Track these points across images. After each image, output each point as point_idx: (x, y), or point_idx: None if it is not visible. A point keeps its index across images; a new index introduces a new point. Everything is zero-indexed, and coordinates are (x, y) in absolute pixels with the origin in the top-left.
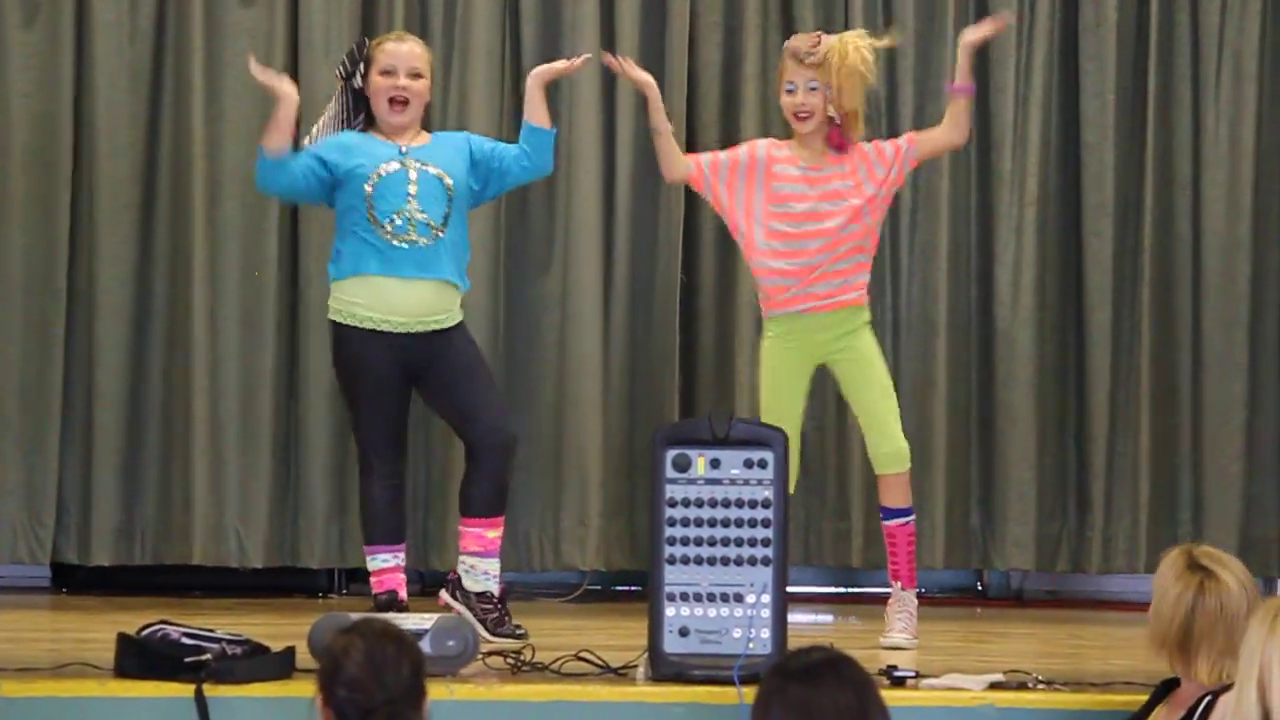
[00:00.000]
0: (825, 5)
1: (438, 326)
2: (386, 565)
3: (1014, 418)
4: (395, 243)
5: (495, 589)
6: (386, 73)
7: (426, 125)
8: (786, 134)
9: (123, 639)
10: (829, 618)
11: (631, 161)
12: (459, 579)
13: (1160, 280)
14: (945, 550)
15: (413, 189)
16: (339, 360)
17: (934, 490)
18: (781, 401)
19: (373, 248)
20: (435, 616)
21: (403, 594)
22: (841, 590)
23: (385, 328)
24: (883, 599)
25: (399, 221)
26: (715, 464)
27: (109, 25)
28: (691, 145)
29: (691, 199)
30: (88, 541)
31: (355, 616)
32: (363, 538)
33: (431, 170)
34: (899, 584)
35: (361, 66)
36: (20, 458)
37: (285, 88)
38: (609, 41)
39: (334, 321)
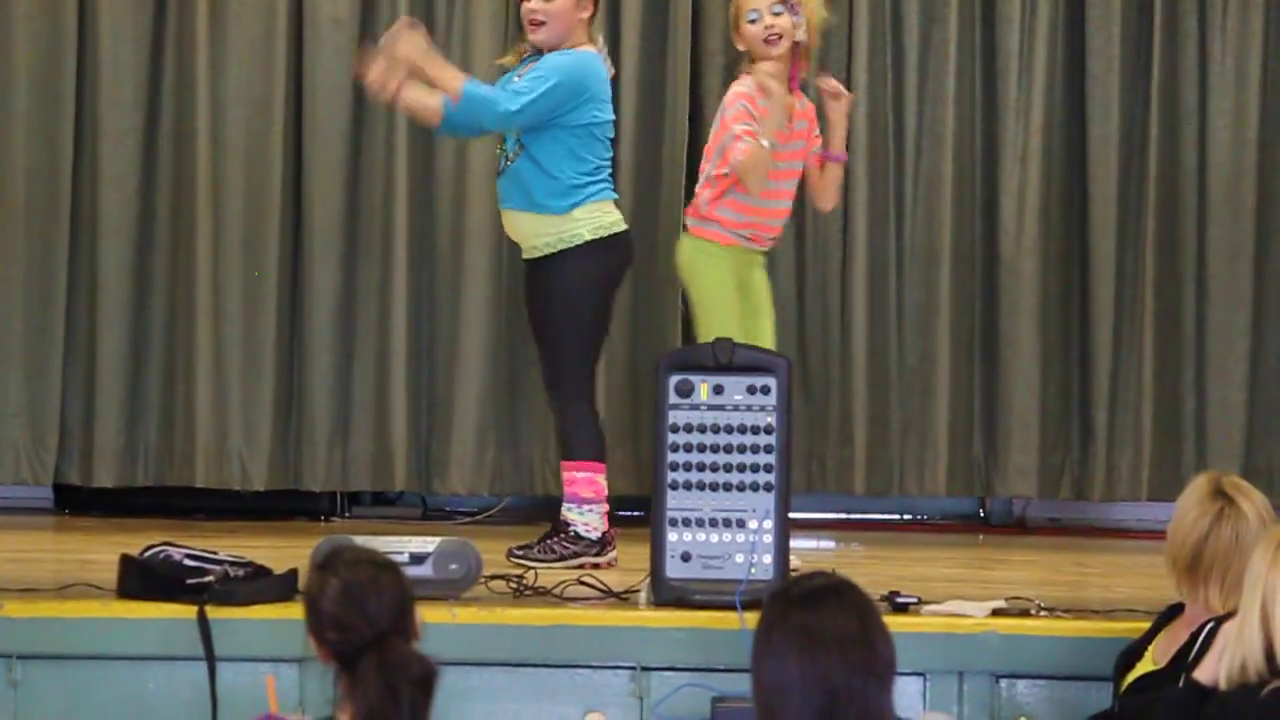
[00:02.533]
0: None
1: (533, 255)
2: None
3: (1017, 346)
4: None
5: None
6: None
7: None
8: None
9: (125, 560)
10: (831, 544)
11: (635, 87)
12: None
13: (1165, 210)
14: (948, 477)
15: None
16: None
17: (937, 418)
18: (733, 314)
19: None
20: (438, 539)
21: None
22: (844, 516)
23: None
24: (887, 526)
25: (497, 150)
26: (718, 390)
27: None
28: (695, 79)
29: (695, 123)
30: (90, 463)
31: (357, 539)
32: (579, 454)
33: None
34: None
35: None
36: (23, 380)
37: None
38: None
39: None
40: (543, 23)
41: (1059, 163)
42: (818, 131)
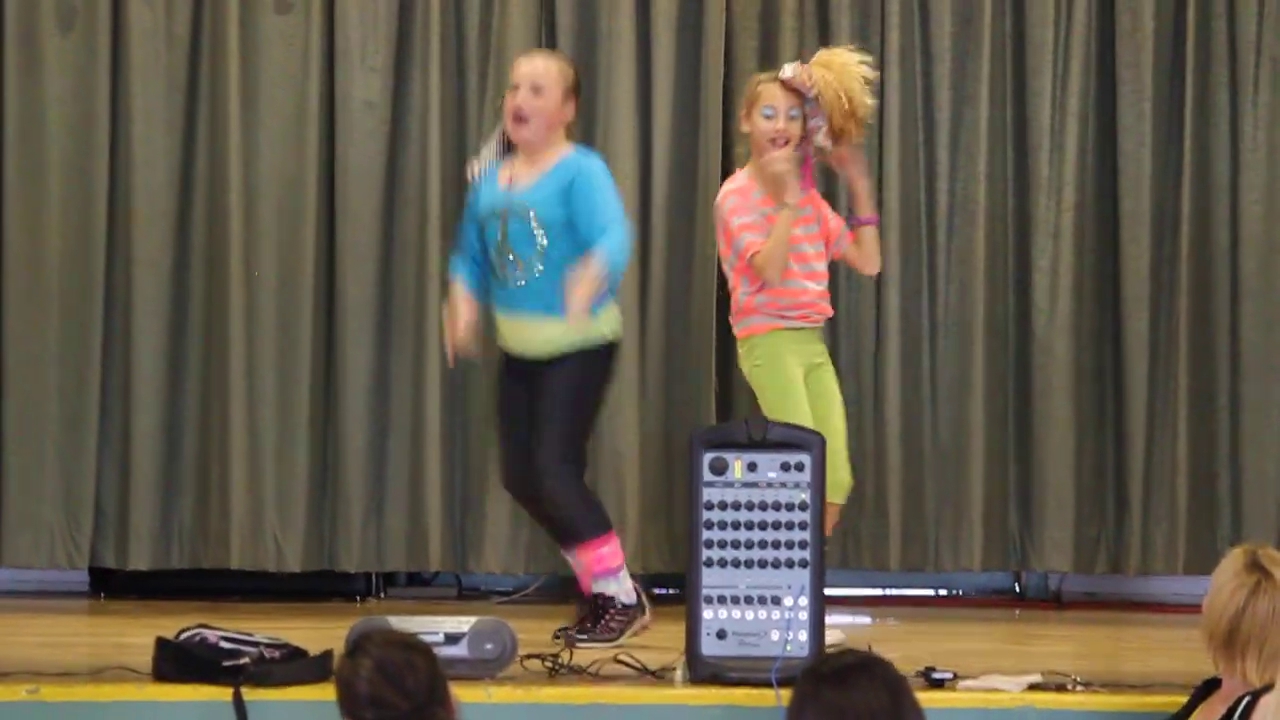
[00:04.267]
0: (862, 7)
1: (542, 359)
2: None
3: (1052, 422)
4: (497, 282)
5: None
6: (512, 89)
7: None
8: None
9: (161, 643)
10: (867, 619)
11: (667, 165)
12: None
13: (1198, 286)
14: (983, 552)
15: (506, 228)
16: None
17: (972, 492)
18: (800, 404)
19: (488, 283)
20: (473, 619)
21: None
22: (880, 593)
23: (509, 352)
24: (922, 601)
25: (496, 261)
26: (752, 467)
27: (145, 32)
28: (727, 154)
29: None
30: (125, 545)
31: (392, 620)
32: (595, 530)
33: (522, 208)
34: None
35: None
36: (58, 462)
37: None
38: (644, 53)
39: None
40: (527, 119)
41: (1091, 239)
42: (832, 216)
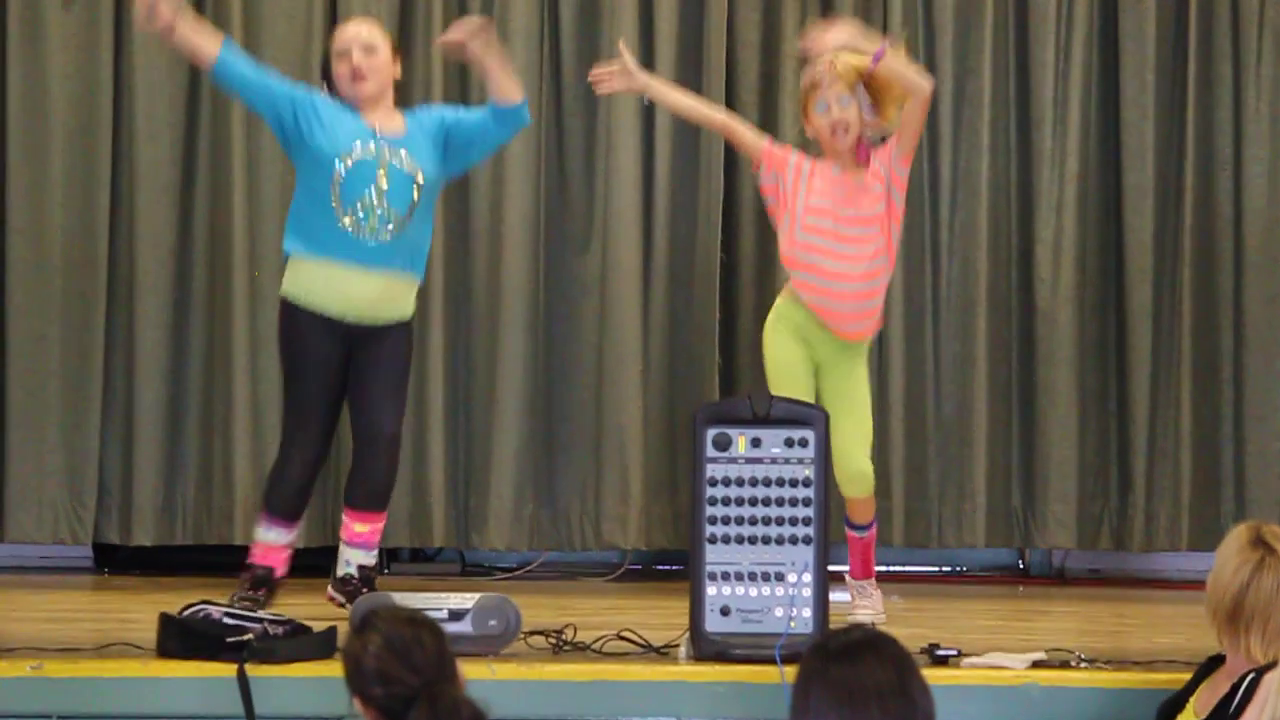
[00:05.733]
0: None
1: (386, 321)
2: (277, 542)
3: (1055, 396)
4: (355, 234)
5: (355, 571)
6: (340, 55)
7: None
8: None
9: (165, 619)
10: None
11: (670, 141)
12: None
13: (1201, 258)
14: (987, 529)
15: (381, 182)
16: (286, 336)
17: (975, 469)
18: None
19: (332, 234)
20: (477, 595)
21: (280, 571)
22: (883, 569)
23: (335, 315)
24: (926, 578)
25: (361, 214)
26: (756, 443)
27: None
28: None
29: (730, 177)
30: (129, 521)
31: (395, 597)
32: (262, 505)
33: (402, 164)
34: (851, 578)
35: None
36: (61, 438)
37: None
38: (648, 22)
39: (285, 298)
40: (365, 77)
41: (1095, 211)
42: (892, 189)
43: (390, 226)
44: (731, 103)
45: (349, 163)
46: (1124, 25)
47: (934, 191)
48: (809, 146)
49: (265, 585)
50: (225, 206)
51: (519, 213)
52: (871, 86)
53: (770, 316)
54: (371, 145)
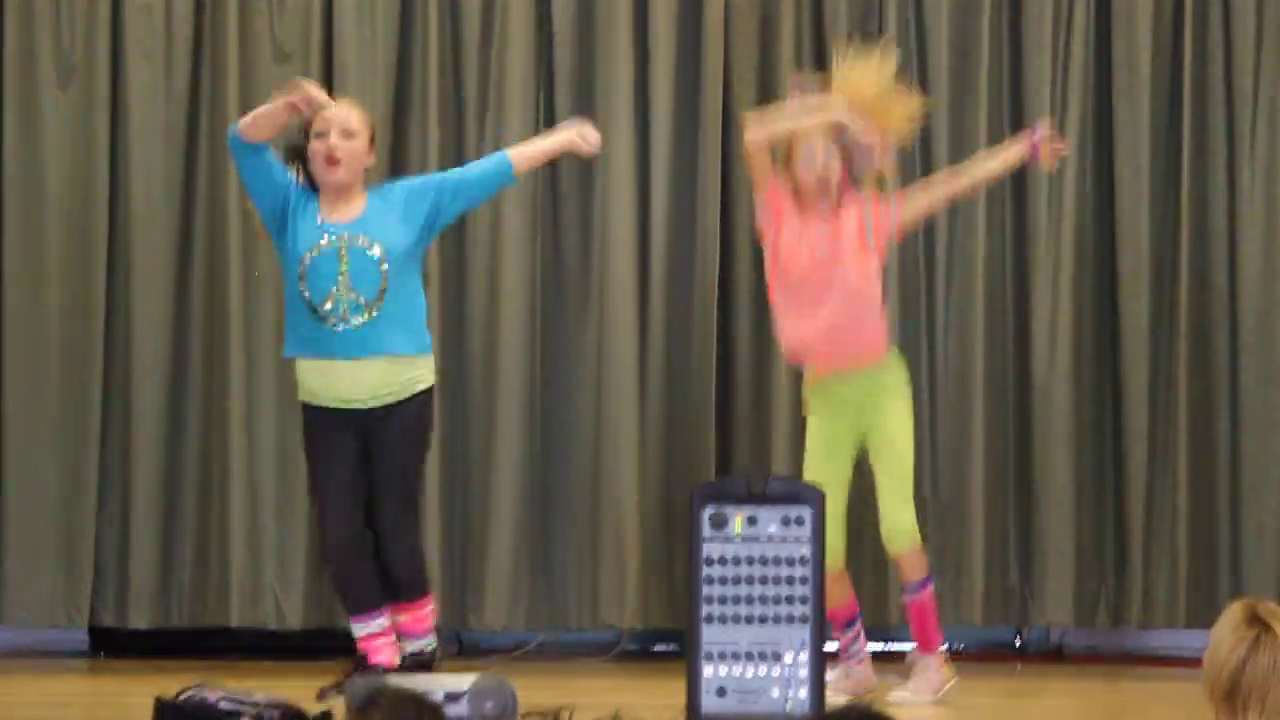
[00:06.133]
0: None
1: (392, 400)
2: (365, 633)
3: (1052, 474)
4: (331, 326)
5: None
6: (319, 135)
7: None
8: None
9: (160, 703)
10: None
11: (666, 213)
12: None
13: (1197, 336)
14: (984, 606)
15: (345, 271)
16: (304, 435)
17: (972, 546)
18: (824, 471)
19: (312, 330)
20: (473, 676)
21: (389, 659)
22: (879, 647)
23: (339, 405)
24: None
25: (330, 305)
26: (752, 521)
27: (144, 87)
28: (726, 214)
29: (726, 248)
30: (125, 604)
31: (392, 678)
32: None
33: (362, 246)
34: (916, 651)
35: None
36: (57, 521)
37: (310, 97)
38: (642, 70)
39: (301, 399)
40: (340, 161)
41: (1090, 288)
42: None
43: (363, 314)
44: (726, 191)
45: (311, 258)
46: (1117, 107)
47: (930, 268)
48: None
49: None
50: (221, 287)
51: (515, 290)
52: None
53: None
54: (327, 237)
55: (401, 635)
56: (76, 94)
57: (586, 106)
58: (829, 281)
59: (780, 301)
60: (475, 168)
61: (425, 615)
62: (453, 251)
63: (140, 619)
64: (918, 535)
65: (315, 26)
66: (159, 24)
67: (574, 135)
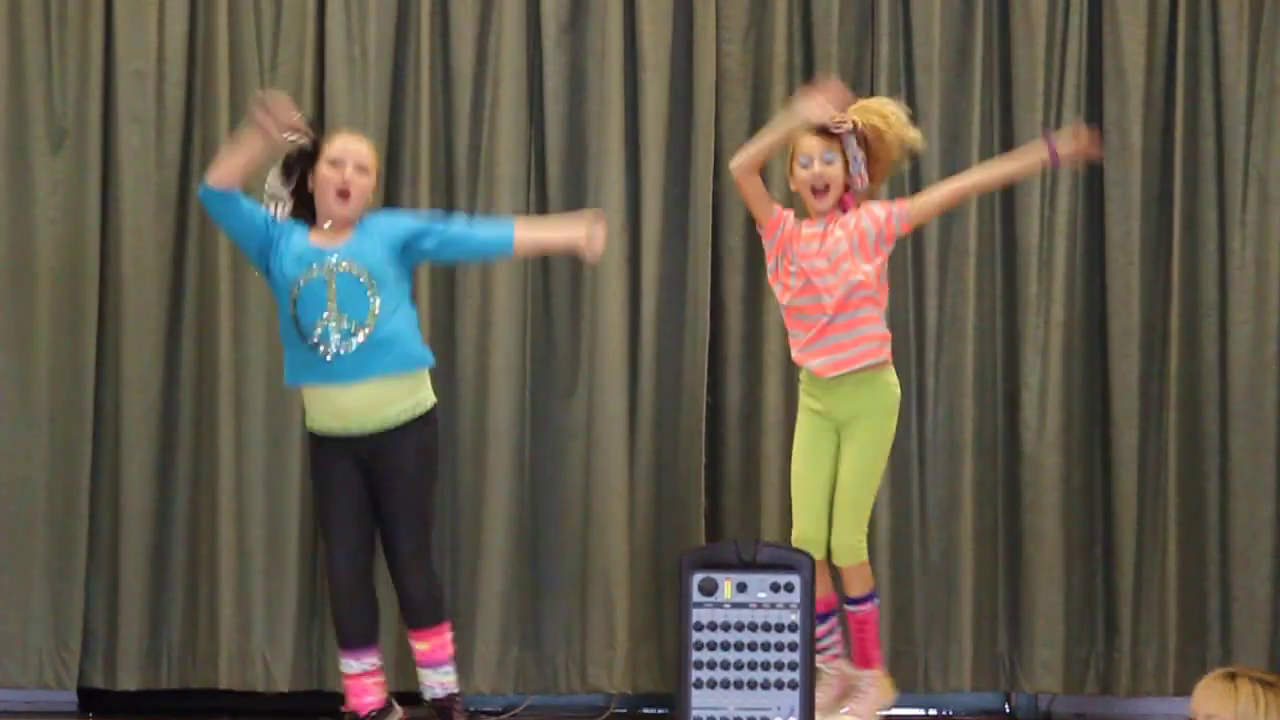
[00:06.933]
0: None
1: (396, 424)
2: (355, 670)
3: (1041, 541)
4: (323, 353)
5: (440, 692)
6: (335, 164)
7: None
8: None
9: None
10: None
11: (656, 282)
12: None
13: (1187, 404)
14: (973, 673)
15: (333, 297)
16: (310, 464)
17: (961, 613)
18: (811, 463)
19: (306, 357)
20: None
21: (375, 701)
22: None
23: (341, 432)
24: None
25: (320, 332)
26: (741, 588)
27: (135, 151)
28: (717, 264)
29: (716, 318)
30: (114, 666)
31: None
32: (337, 641)
33: (347, 268)
34: (852, 665)
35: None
36: (46, 582)
37: (272, 112)
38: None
39: (308, 427)
40: (350, 196)
41: (1080, 356)
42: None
43: (355, 338)
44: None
45: (300, 287)
46: (1109, 172)
47: (920, 335)
48: (794, 201)
49: None
50: (212, 350)
51: (505, 358)
52: (870, 149)
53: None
54: (314, 266)
55: (423, 665)
56: (68, 157)
57: (577, 171)
58: (832, 286)
59: (787, 309)
60: (480, 232)
61: (446, 643)
62: (443, 310)
63: (129, 680)
64: (865, 553)
65: (307, 91)
66: (150, 89)
67: (583, 238)
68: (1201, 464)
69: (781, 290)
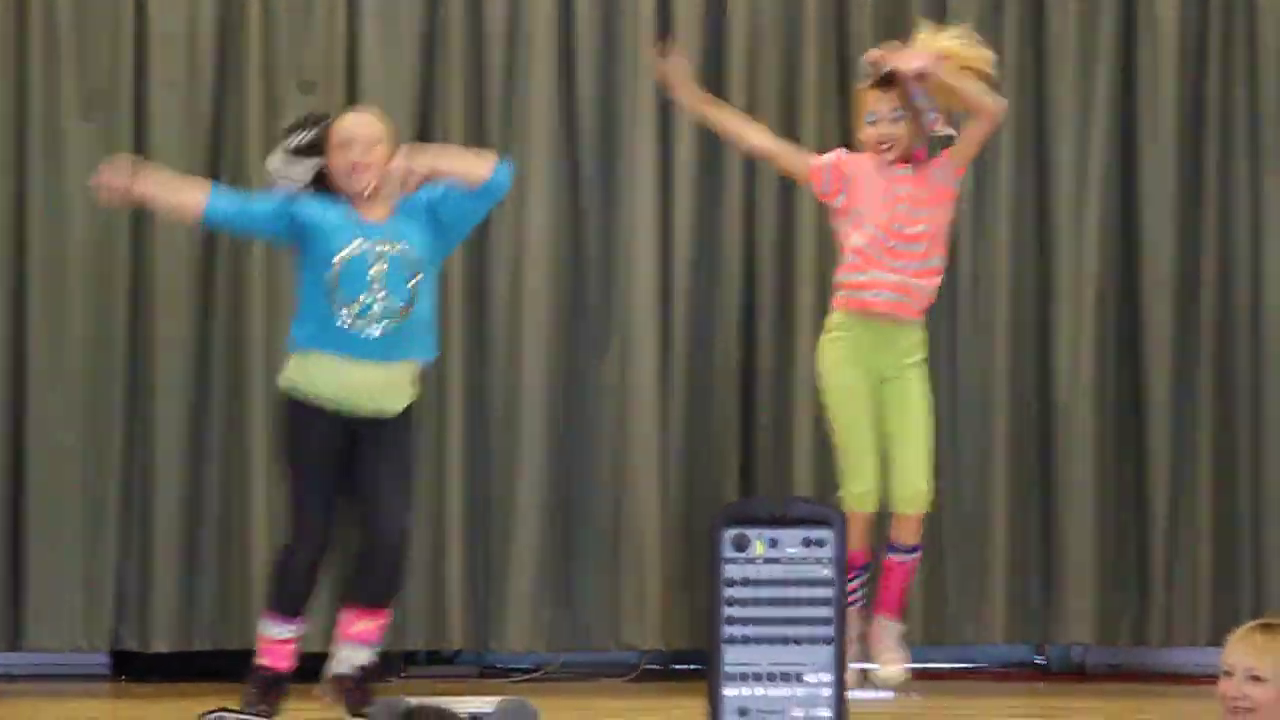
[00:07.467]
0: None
1: (391, 411)
2: (281, 636)
3: (1073, 492)
4: (357, 329)
5: (350, 671)
6: (341, 146)
7: None
8: None
9: None
10: (889, 694)
11: (688, 242)
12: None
13: (1219, 355)
14: (1006, 624)
15: (378, 275)
16: (287, 429)
17: (994, 564)
18: (860, 409)
19: (335, 329)
20: (496, 699)
21: (288, 667)
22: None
23: (333, 407)
24: (946, 674)
25: (359, 308)
26: (774, 543)
27: (168, 116)
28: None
29: (750, 265)
30: (147, 628)
31: (413, 701)
32: (266, 600)
33: (395, 251)
34: (884, 615)
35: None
36: (78, 545)
37: (137, 190)
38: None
39: (286, 391)
40: (365, 169)
41: (1113, 305)
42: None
43: (392, 319)
44: (749, 210)
45: (343, 260)
46: (1142, 123)
47: (951, 286)
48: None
49: (274, 688)
50: (244, 312)
51: (538, 315)
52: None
53: (823, 339)
54: (361, 240)
55: (352, 641)
56: (100, 122)
57: (610, 128)
58: (905, 235)
59: (855, 252)
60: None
61: (383, 627)
62: (475, 269)
63: (162, 642)
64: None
65: (339, 50)
66: (182, 52)
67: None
68: (1234, 413)
69: (857, 226)
